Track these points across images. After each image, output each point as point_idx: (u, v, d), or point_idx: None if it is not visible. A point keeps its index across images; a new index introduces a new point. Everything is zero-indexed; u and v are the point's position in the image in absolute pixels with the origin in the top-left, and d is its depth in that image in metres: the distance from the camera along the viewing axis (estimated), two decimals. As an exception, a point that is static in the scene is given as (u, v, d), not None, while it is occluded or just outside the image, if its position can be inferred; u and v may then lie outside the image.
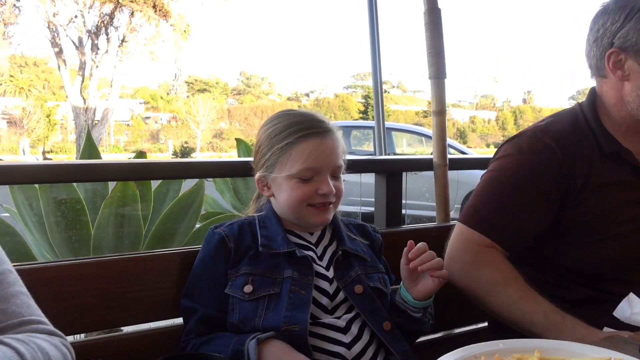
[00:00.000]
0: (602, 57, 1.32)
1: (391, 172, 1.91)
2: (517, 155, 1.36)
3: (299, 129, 1.26)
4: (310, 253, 1.28)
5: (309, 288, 1.22)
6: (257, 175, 1.33)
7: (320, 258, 1.30)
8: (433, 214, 2.08)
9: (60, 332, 0.91)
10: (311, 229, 1.33)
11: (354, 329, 1.23)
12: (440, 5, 1.95)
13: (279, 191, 1.30)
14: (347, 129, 10.78)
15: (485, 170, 1.44)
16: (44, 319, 0.92)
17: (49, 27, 17.49)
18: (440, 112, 1.94)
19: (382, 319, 1.25)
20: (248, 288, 1.20)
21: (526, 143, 1.36)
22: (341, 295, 1.25)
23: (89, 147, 2.53)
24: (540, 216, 1.33)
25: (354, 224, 1.43)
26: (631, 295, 1.06)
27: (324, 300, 1.23)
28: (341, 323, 1.22)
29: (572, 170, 1.31)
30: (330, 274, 1.27)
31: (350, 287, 1.26)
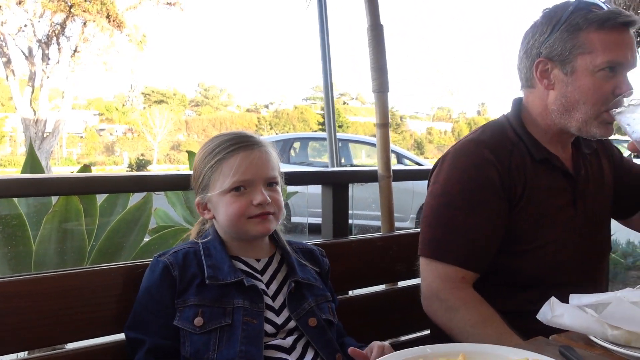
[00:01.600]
0: (531, 67, 1.38)
1: (337, 184, 1.95)
2: (459, 175, 1.37)
3: (227, 145, 1.29)
4: (258, 283, 1.28)
5: (260, 317, 1.23)
6: (196, 199, 1.35)
7: (267, 285, 1.30)
8: (379, 223, 2.12)
9: None
10: (257, 248, 1.33)
11: (299, 347, 1.25)
12: (387, 21, 2.02)
13: (217, 211, 1.30)
14: (305, 141, 10.83)
15: (428, 195, 1.43)
16: None
17: (-4, 37, 16.89)
18: (383, 124, 1.99)
19: (334, 351, 1.28)
20: (198, 321, 1.19)
21: (464, 160, 1.38)
22: (291, 325, 1.27)
23: (31, 161, 2.46)
24: (499, 228, 1.36)
25: (302, 248, 1.43)
26: (552, 299, 1.11)
27: (269, 328, 1.24)
28: (287, 343, 1.25)
29: (510, 179, 1.35)
30: (276, 304, 1.28)
31: (304, 320, 1.27)
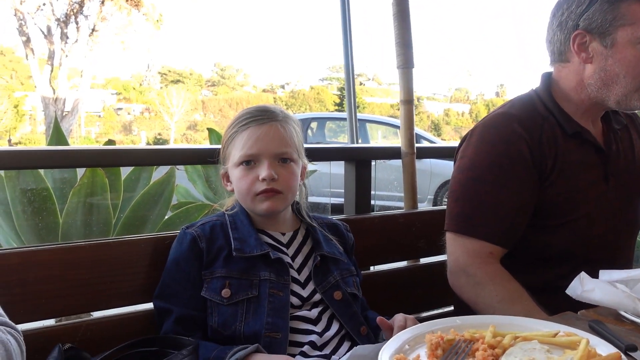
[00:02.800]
0: (567, 40, 1.34)
1: (360, 160, 1.94)
2: (488, 149, 1.35)
3: (242, 119, 1.31)
4: (284, 257, 1.29)
5: (286, 289, 1.24)
6: (221, 170, 1.38)
7: (293, 258, 1.31)
8: (400, 204, 2.12)
9: (11, 323, 0.89)
10: (280, 222, 1.34)
11: (324, 319, 1.27)
12: (409, -3, 1.98)
13: (234, 184, 1.33)
14: (322, 121, 10.79)
15: (455, 169, 1.42)
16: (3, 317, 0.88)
17: (15, 15, 17.00)
18: (408, 101, 1.97)
19: (359, 324, 1.29)
20: (226, 292, 1.21)
21: (494, 134, 1.36)
22: (317, 298, 1.28)
23: (57, 136, 2.50)
24: (529, 203, 1.34)
25: (327, 223, 1.44)
26: (582, 274, 1.10)
27: (294, 301, 1.26)
28: (312, 314, 1.26)
29: (541, 153, 1.33)
30: (302, 277, 1.29)
31: (329, 293, 1.28)
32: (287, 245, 1.33)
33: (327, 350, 1.24)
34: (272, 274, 1.25)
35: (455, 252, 1.37)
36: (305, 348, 1.22)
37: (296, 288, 1.27)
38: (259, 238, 1.29)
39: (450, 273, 1.39)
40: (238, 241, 1.27)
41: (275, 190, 1.27)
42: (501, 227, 1.33)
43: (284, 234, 1.34)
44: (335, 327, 1.27)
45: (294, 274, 1.29)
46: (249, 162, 1.28)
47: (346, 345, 1.27)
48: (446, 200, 1.48)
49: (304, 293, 1.28)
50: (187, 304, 1.24)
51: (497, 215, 1.33)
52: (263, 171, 1.26)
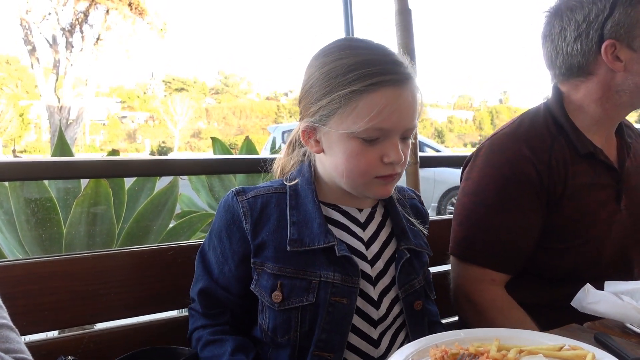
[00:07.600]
0: (592, 52, 1.26)
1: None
2: (493, 172, 1.29)
3: (372, 72, 0.93)
4: (358, 244, 1.03)
5: (352, 295, 0.99)
6: (304, 124, 1.02)
7: (368, 245, 1.05)
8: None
9: None
10: (362, 203, 1.08)
11: (386, 337, 1.05)
12: (414, 6, 1.99)
13: (332, 151, 1.00)
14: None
15: (460, 191, 1.36)
16: (26, 354, 0.84)
17: (21, 25, 17.15)
18: (411, 110, 1.97)
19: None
20: (277, 296, 0.98)
21: (500, 156, 1.30)
22: (387, 302, 1.04)
23: (61, 146, 2.51)
24: (534, 228, 1.29)
25: (407, 198, 1.17)
26: (587, 285, 1.09)
27: (370, 310, 1.01)
28: (379, 313, 1.03)
29: (549, 176, 1.27)
30: (374, 271, 1.03)
31: (409, 300, 1.05)
32: (364, 226, 1.05)
33: None
34: (337, 273, 0.97)
35: (458, 278, 1.33)
36: None
37: (364, 285, 1.00)
38: (324, 223, 1.00)
39: (454, 298, 1.35)
40: (296, 227, 0.99)
41: (398, 174, 1.01)
42: (505, 254, 1.28)
43: (360, 211, 1.06)
44: (397, 345, 1.05)
45: (365, 267, 1.02)
46: (373, 137, 0.96)
47: None
48: (450, 208, 1.46)
49: (374, 293, 1.01)
50: (217, 280, 1.04)
51: (501, 242, 1.28)
52: (393, 153, 0.96)
